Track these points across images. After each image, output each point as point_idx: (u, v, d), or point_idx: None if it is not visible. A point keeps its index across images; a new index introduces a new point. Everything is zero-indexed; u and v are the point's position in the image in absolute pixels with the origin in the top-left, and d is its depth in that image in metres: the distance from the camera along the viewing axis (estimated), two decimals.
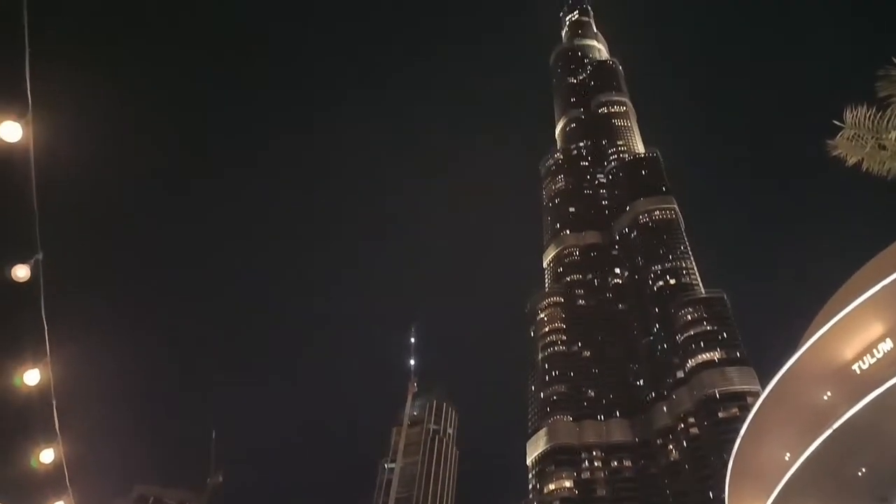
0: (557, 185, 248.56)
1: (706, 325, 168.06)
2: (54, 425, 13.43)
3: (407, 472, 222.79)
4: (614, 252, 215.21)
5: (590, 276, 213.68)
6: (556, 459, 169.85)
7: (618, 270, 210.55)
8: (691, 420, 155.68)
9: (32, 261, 9.52)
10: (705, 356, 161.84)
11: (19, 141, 8.56)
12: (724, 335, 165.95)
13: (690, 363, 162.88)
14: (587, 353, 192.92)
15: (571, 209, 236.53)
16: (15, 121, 8.43)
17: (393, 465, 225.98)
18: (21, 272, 9.52)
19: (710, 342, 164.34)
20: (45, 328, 10.21)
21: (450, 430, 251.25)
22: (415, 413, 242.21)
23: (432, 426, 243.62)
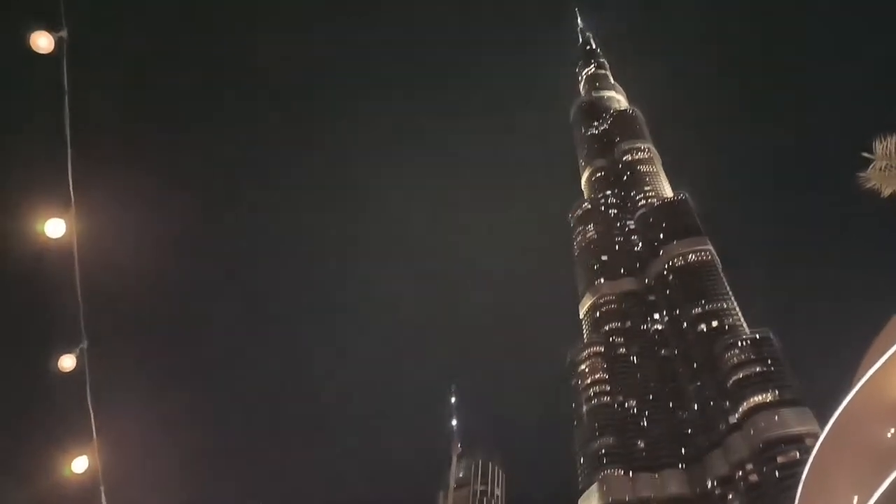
0: (588, 235, 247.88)
1: (755, 367, 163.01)
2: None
3: None
4: (651, 298, 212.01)
5: (628, 323, 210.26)
6: None
7: (657, 316, 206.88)
8: (749, 467, 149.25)
9: (78, 350, 9.80)
10: (757, 399, 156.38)
11: (63, 236, 8.95)
12: (775, 376, 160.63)
13: (743, 407, 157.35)
14: (633, 403, 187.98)
15: (604, 258, 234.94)
16: (59, 217, 8.85)
17: None
18: (67, 362, 9.79)
19: (761, 384, 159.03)
20: (92, 416, 10.41)
21: (497, 491, 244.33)
22: (460, 475, 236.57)
23: (479, 487, 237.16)
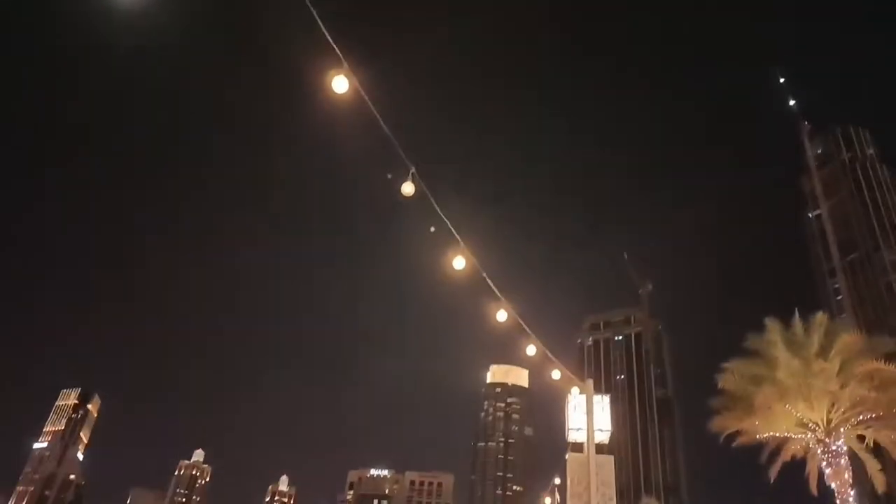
0: None
1: None
2: (499, 292, 15.70)
3: (837, 214, 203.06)
4: None
5: None
6: None
7: None
8: None
9: (410, 176, 11.15)
10: None
11: (348, 90, 9.97)
12: None
13: None
14: None
15: None
16: (338, 74, 9.82)
17: (818, 213, 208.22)
18: (408, 188, 11.25)
19: None
20: (453, 230, 12.08)
21: (869, 151, 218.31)
22: (819, 151, 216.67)
23: (845, 156, 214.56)
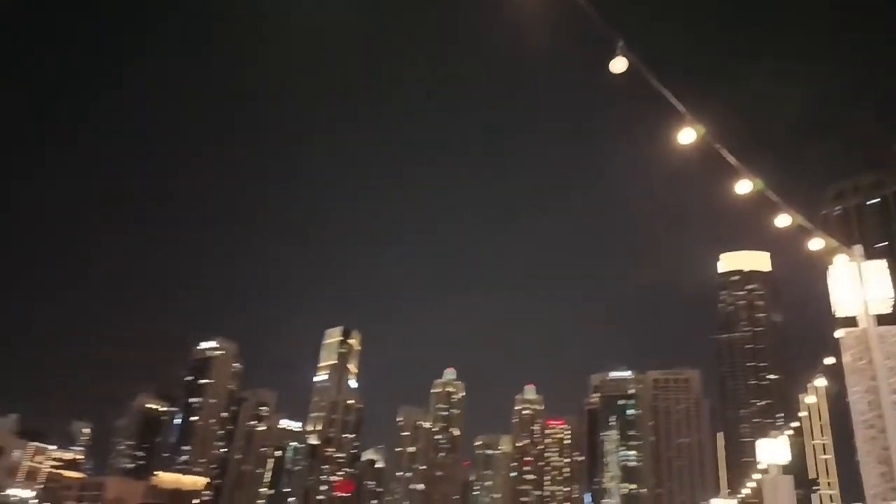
0: None
1: None
2: (738, 161, 14.22)
3: None
4: None
5: None
6: None
7: None
8: None
9: (619, 50, 10.09)
10: None
11: None
12: None
13: None
14: None
15: None
16: None
17: None
18: (618, 65, 10.23)
19: None
20: (674, 101, 10.77)
21: None
22: None
23: None
